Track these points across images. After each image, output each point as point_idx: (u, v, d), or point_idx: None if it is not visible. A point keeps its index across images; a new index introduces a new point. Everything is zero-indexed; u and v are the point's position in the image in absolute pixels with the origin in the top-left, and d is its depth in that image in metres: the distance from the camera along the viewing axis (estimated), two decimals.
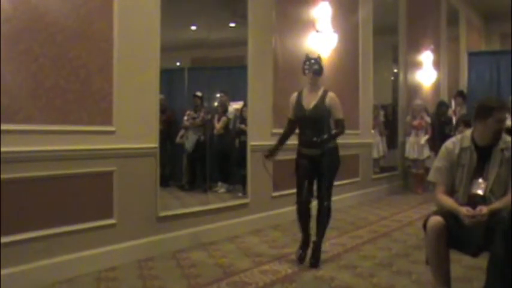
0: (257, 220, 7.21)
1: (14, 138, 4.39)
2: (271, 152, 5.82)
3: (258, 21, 7.31)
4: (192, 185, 8.09)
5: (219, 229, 6.52)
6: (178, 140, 8.77)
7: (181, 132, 8.71)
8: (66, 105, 4.81)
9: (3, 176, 4.28)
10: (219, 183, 8.19)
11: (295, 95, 5.68)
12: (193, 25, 12.44)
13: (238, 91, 7.92)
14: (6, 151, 4.28)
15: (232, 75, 11.16)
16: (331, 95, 5.53)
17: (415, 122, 11.46)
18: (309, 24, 8.47)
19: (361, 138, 10.08)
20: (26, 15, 4.49)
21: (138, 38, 5.48)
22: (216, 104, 8.74)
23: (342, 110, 5.57)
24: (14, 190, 4.40)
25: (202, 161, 7.83)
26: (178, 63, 12.85)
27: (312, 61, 5.58)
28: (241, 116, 7.94)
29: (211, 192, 7.66)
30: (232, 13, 10.96)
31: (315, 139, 5.35)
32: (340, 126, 5.51)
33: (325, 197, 5.50)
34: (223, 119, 8.33)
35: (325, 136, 5.38)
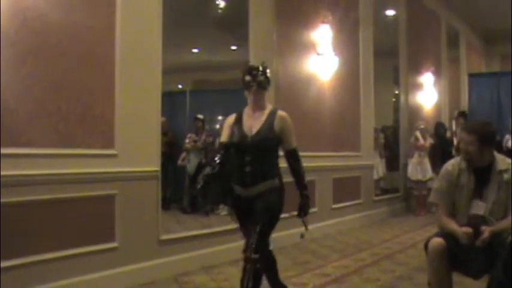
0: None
1: (16, 161, 4.40)
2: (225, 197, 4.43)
3: (259, 43, 7.35)
4: (193, 208, 8.08)
5: (221, 252, 6.49)
6: (180, 162, 8.79)
7: (183, 154, 8.74)
8: (69, 128, 4.83)
9: (4, 199, 4.28)
10: (221, 206, 8.17)
11: (233, 117, 4.39)
12: (195, 48, 12.56)
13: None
14: (8, 174, 4.29)
15: (234, 98, 11.20)
16: (281, 115, 4.26)
17: (419, 143, 11.47)
18: (310, 47, 8.51)
19: (363, 160, 10.08)
20: (30, 40, 4.53)
21: (140, 62, 5.52)
22: (217, 126, 8.76)
23: (295, 134, 4.30)
24: (15, 214, 4.39)
25: None
26: (180, 86, 12.95)
27: (255, 71, 4.25)
28: None
29: (212, 215, 7.65)
30: (234, 36, 11.05)
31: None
32: (294, 159, 4.25)
33: (253, 245, 4.04)
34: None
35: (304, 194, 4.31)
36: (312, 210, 8.17)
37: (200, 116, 8.56)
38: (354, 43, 9.97)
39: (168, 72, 5.99)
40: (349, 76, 9.68)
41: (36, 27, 4.58)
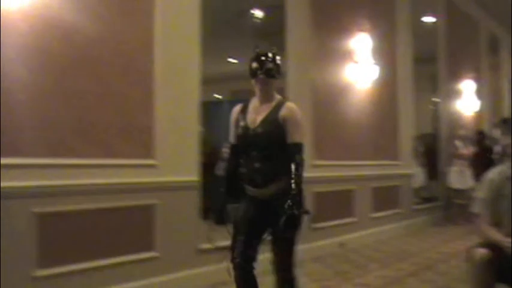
0: (298, 252, 7.13)
1: (60, 171, 4.49)
2: (221, 214, 3.84)
3: (297, 53, 7.35)
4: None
5: (260, 262, 6.46)
6: (217, 172, 8.78)
7: (220, 164, 8.74)
8: (109, 139, 4.90)
9: (46, 209, 4.36)
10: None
11: (238, 108, 3.99)
12: (232, 58, 12.65)
13: None
14: (50, 185, 4.38)
15: None
16: (289, 106, 3.82)
17: (460, 152, 11.31)
18: (347, 55, 8.48)
19: (402, 169, 9.97)
20: (71, 52, 4.61)
21: (178, 72, 5.57)
22: None
23: (303, 128, 3.90)
24: (57, 223, 4.47)
25: None
26: (217, 96, 13.02)
27: (263, 58, 3.80)
28: None
29: None
30: (271, 45, 11.10)
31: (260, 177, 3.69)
32: (296, 154, 3.64)
33: (281, 265, 3.81)
34: None
35: (293, 187, 3.50)
36: (351, 219, 8.20)
37: None
38: (392, 50, 9.90)
39: (206, 82, 6.01)
40: (387, 84, 9.61)
41: (78, 40, 4.67)
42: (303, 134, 3.83)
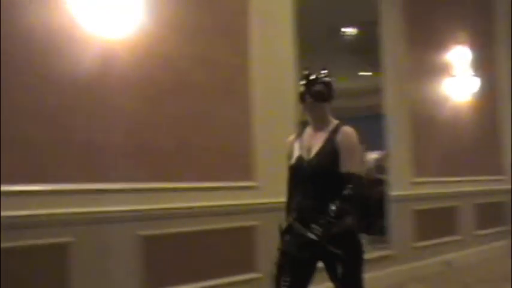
0: (401, 272, 6.98)
1: (161, 195, 4.59)
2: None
3: (392, 68, 7.23)
4: None
5: (370, 280, 6.36)
6: None
7: None
8: (209, 162, 4.96)
9: (150, 232, 4.47)
10: (359, 234, 8.07)
11: (291, 138, 3.73)
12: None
13: (374, 140, 7.83)
14: (154, 208, 4.51)
15: (366, 125, 11.09)
16: (344, 130, 3.37)
17: None
18: (445, 69, 8.26)
19: (505, 184, 9.54)
20: (171, 79, 4.73)
21: (275, 93, 5.59)
22: None
23: (359, 155, 3.46)
24: (161, 245, 4.57)
25: None
26: None
27: (311, 80, 3.45)
28: (379, 165, 7.82)
29: None
30: (364, 62, 11.00)
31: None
32: (351, 185, 3.17)
33: None
34: None
35: (332, 210, 3.11)
36: (455, 237, 7.93)
37: None
38: (491, 62, 9.57)
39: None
40: (488, 96, 9.26)
41: (178, 66, 4.78)
42: (358, 162, 3.36)
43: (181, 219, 4.73)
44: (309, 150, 3.44)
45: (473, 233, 8.44)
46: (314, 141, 3.45)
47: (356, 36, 10.07)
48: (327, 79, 3.47)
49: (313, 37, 8.70)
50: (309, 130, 3.57)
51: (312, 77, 3.46)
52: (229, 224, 5.07)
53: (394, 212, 6.97)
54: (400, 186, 7.07)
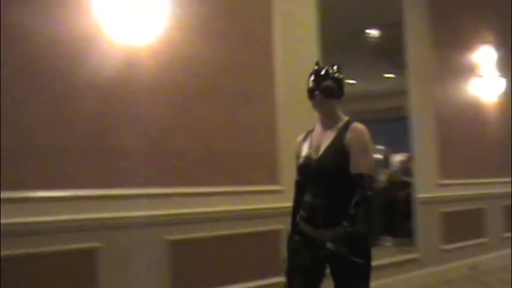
0: (427, 276, 6.93)
1: (189, 200, 4.62)
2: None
3: (418, 69, 7.18)
4: None
5: (387, 286, 6.34)
6: None
7: None
8: (234, 166, 4.98)
9: (178, 236, 4.50)
10: (385, 237, 8.04)
11: (300, 137, 3.62)
12: (350, 79, 12.61)
13: (399, 142, 7.81)
14: (181, 213, 4.54)
15: (392, 127, 11.04)
16: (355, 128, 3.19)
17: None
18: (471, 70, 8.19)
19: None
20: (195, 84, 4.76)
21: (299, 97, 5.56)
22: (378, 156, 8.66)
23: (371, 154, 3.21)
24: (188, 250, 4.60)
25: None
26: None
27: (320, 75, 3.34)
28: (404, 168, 7.78)
29: (377, 247, 7.53)
30: (388, 64, 10.96)
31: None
32: (359, 188, 3.02)
33: None
34: (386, 171, 8.22)
35: (351, 215, 2.96)
36: (482, 240, 7.84)
37: None
38: None
39: None
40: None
41: (202, 71, 4.81)
42: (370, 162, 3.17)
43: (208, 224, 4.75)
44: (317, 148, 3.32)
45: (501, 235, 8.35)
46: (323, 139, 3.32)
47: (380, 38, 10.01)
48: (337, 75, 3.35)
49: (337, 39, 8.69)
50: (318, 128, 3.45)
51: (322, 72, 3.35)
52: (255, 228, 5.08)
53: (420, 215, 6.93)
54: (426, 188, 7.02)
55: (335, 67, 3.38)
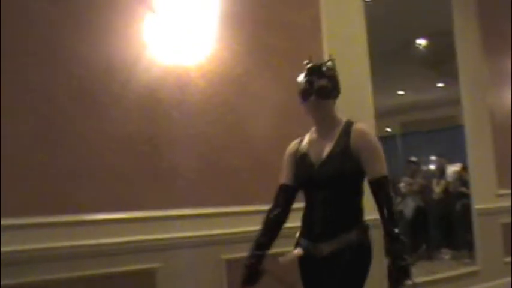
0: None
1: (243, 218, 4.58)
2: (249, 276, 3.12)
3: (470, 78, 7.05)
4: (414, 253, 7.87)
5: None
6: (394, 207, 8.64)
7: (398, 199, 8.61)
8: None
9: (233, 255, 4.48)
10: (443, 250, 7.89)
11: (293, 144, 3.25)
12: (400, 90, 12.49)
13: (454, 152, 7.67)
14: (235, 232, 4.51)
15: (445, 137, 10.86)
16: (358, 129, 2.93)
17: None
18: None
19: None
20: (246, 103, 4.77)
21: (352, 109, 5.49)
22: (432, 167, 8.53)
23: (382, 154, 2.91)
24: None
25: (424, 227, 7.61)
26: (388, 129, 12.87)
27: (314, 74, 2.97)
28: (461, 178, 7.63)
29: (436, 260, 7.39)
30: (439, 73, 10.81)
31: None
32: (381, 190, 2.80)
33: None
34: (442, 182, 8.07)
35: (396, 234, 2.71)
36: None
37: (414, 159, 8.41)
38: None
39: (376, 116, 5.94)
40: None
41: (254, 90, 4.83)
42: (384, 162, 2.87)
43: None
44: (319, 155, 2.96)
45: None
46: (324, 144, 2.97)
47: (430, 47, 9.90)
48: (332, 72, 3.00)
49: (387, 51, 8.63)
50: (313, 135, 3.10)
51: (315, 69, 2.98)
52: None
53: (479, 226, 6.76)
54: (484, 199, 6.85)
55: (329, 63, 3.03)
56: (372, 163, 2.81)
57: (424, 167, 8.72)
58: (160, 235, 4.14)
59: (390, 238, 2.72)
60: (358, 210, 2.95)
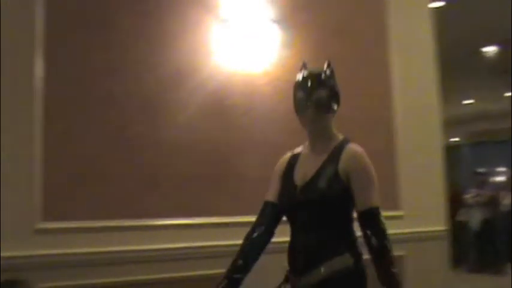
0: None
1: None
2: None
3: None
4: (481, 266, 7.67)
5: None
6: (459, 218, 8.47)
7: (463, 210, 8.41)
8: None
9: None
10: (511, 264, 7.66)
11: (284, 158, 2.90)
12: (466, 99, 12.23)
13: None
14: None
15: None
16: (351, 151, 2.61)
17: None
18: None
19: None
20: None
21: (418, 119, 5.46)
22: (500, 179, 8.33)
23: (375, 183, 2.59)
24: None
25: (491, 240, 7.40)
26: (454, 139, 12.62)
27: (312, 83, 2.63)
28: None
29: (503, 274, 7.18)
30: (508, 83, 10.52)
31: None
32: (370, 226, 2.44)
33: None
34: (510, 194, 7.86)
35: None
36: None
37: (481, 170, 8.22)
38: None
39: (442, 125, 5.84)
40: None
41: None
42: (377, 192, 2.55)
43: None
44: (304, 175, 2.62)
45: None
46: (311, 164, 2.64)
47: (498, 55, 9.66)
48: (332, 81, 2.70)
49: (454, 59, 8.46)
50: (305, 151, 2.79)
51: (314, 78, 2.66)
52: None
53: None
54: None
55: (328, 71, 2.72)
56: (361, 191, 2.49)
57: (491, 178, 8.51)
58: (225, 241, 4.15)
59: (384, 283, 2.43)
60: (347, 235, 2.56)
